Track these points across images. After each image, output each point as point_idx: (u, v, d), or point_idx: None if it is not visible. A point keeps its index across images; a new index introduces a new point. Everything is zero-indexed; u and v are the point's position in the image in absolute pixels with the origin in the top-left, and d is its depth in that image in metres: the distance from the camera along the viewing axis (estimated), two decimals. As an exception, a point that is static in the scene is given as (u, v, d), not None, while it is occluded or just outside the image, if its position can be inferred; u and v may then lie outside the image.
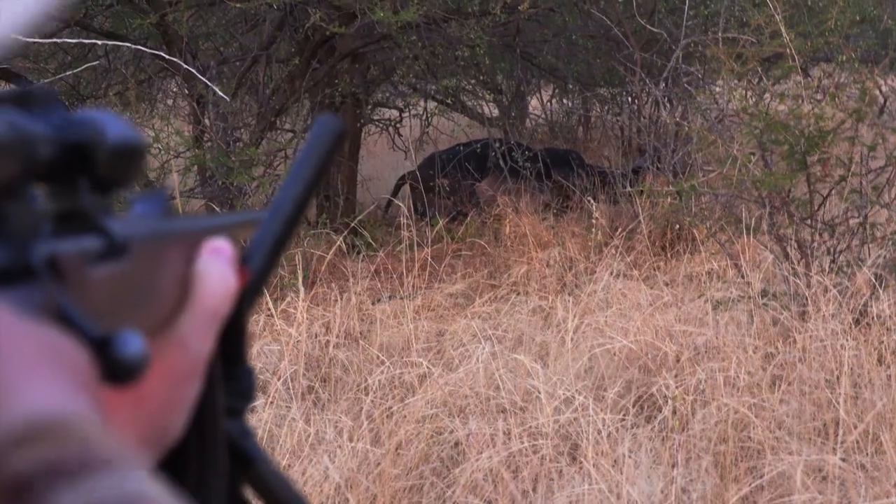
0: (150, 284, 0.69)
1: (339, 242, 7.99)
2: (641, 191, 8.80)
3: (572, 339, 6.09)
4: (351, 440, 5.16)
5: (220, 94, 7.38)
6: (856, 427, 5.06)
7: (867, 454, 4.99)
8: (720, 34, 8.72)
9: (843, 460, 4.86)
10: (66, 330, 0.57)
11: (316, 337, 6.59)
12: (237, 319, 0.79)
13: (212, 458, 0.78)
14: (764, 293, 6.46)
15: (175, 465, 0.74)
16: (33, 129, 0.58)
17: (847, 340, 5.59)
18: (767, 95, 7.59)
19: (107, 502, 0.48)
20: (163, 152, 9.35)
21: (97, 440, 0.52)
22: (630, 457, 4.90)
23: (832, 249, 6.62)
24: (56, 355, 0.54)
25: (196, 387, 0.73)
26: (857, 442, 5.03)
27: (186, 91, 9.87)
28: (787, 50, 6.95)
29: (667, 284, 7.44)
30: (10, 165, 0.55)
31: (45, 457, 0.49)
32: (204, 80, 7.22)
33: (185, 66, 7.05)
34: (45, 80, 9.56)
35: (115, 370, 0.58)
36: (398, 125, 13.38)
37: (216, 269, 0.75)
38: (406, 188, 11.11)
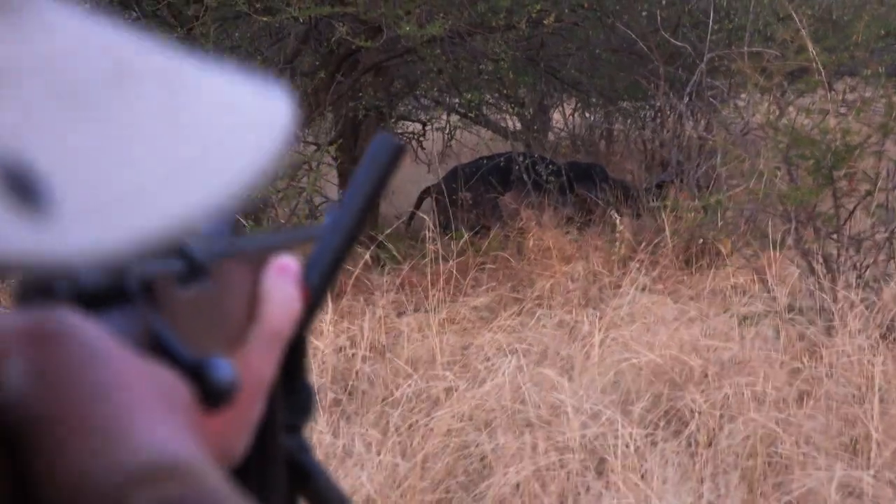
0: (224, 305, 0.70)
1: (365, 256, 8.01)
2: (666, 205, 8.79)
3: (598, 354, 6.08)
4: (378, 453, 5.16)
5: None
6: (883, 444, 5.04)
7: (894, 470, 4.97)
8: (745, 48, 8.71)
9: (874, 477, 4.85)
10: (161, 356, 0.58)
11: (342, 350, 6.60)
12: (297, 335, 0.79)
13: (272, 475, 0.79)
14: (790, 308, 6.45)
15: (237, 481, 0.74)
16: None
17: (874, 356, 5.57)
18: (792, 109, 7.58)
19: None
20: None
21: (212, 482, 0.53)
22: (657, 472, 4.89)
23: (858, 264, 6.61)
24: (166, 391, 0.56)
25: (260, 406, 0.73)
26: (884, 458, 5.01)
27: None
28: (813, 64, 6.94)
29: (692, 299, 7.43)
30: None
31: (165, 498, 0.50)
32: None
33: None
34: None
35: (210, 396, 0.59)
36: (421, 138, 13.39)
37: (282, 289, 0.75)
38: (429, 201, 11.10)
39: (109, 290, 0.58)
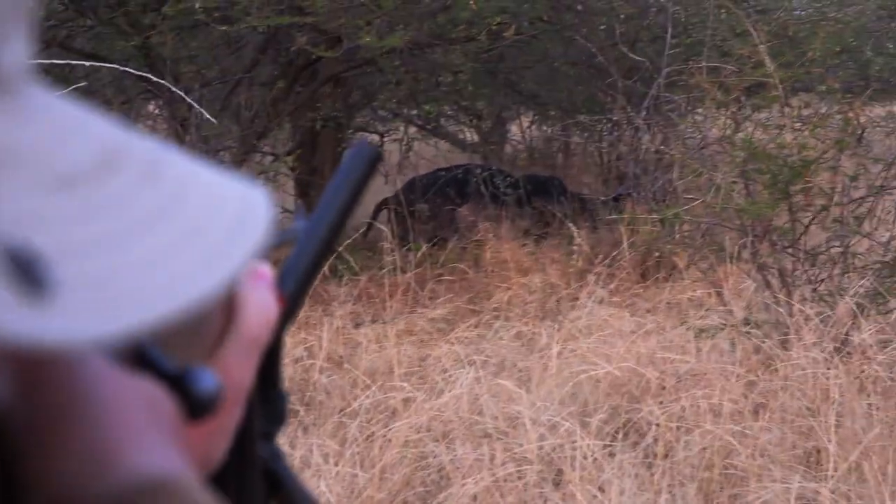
0: (202, 314, 0.69)
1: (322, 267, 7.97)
2: (623, 217, 8.83)
3: (556, 366, 6.10)
4: (336, 464, 5.15)
5: (208, 115, 7.37)
6: (838, 456, 5.07)
7: (850, 483, 5.00)
8: (703, 63, 8.76)
9: (830, 489, 4.88)
10: (144, 367, 0.58)
11: (299, 361, 6.58)
12: (272, 344, 0.78)
13: (249, 482, 0.78)
14: (746, 321, 6.48)
15: (215, 488, 0.74)
16: None
17: (829, 369, 5.61)
18: (749, 124, 7.63)
19: None
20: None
21: (198, 498, 0.54)
22: (615, 483, 4.90)
23: (813, 278, 6.66)
24: (153, 406, 0.56)
25: (238, 414, 0.73)
26: (839, 470, 5.04)
27: (168, 113, 9.86)
28: (771, 79, 6.99)
29: (649, 312, 7.46)
30: None
31: None
32: (191, 101, 7.21)
33: (173, 87, 7.04)
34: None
35: (194, 407, 0.59)
36: (379, 150, 13.37)
37: (258, 295, 0.74)
38: (386, 213, 11.10)
39: None
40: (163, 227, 0.49)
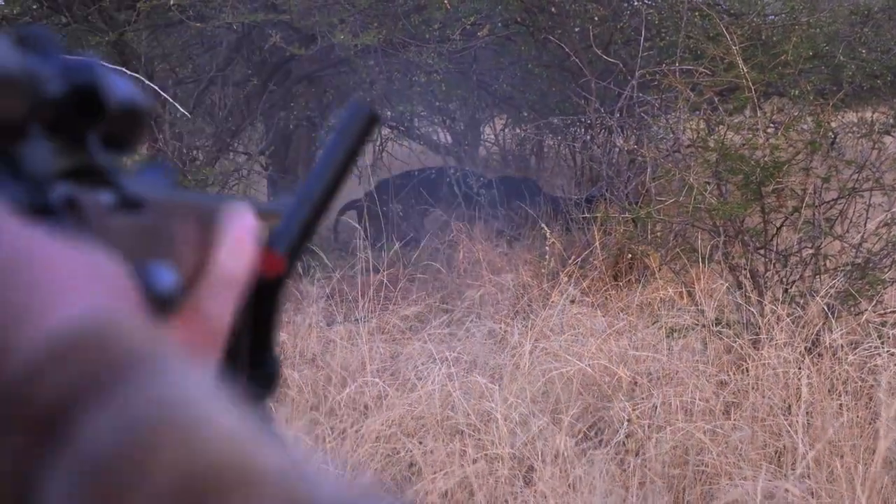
0: (166, 245, 0.67)
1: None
2: (596, 217, 8.85)
3: (528, 363, 6.10)
4: (307, 460, 5.13)
5: (182, 111, 7.35)
6: (808, 455, 5.09)
7: (820, 481, 5.03)
8: (676, 65, 8.79)
9: (796, 487, 4.89)
10: None
11: (270, 357, 6.56)
12: (267, 306, 0.77)
13: None
14: (717, 321, 6.50)
15: None
16: (39, 68, 0.55)
17: (799, 369, 5.63)
18: (722, 127, 7.66)
19: (139, 420, 0.43)
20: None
21: (139, 336, 0.46)
22: (586, 480, 4.91)
23: (785, 279, 6.68)
24: (98, 270, 0.49)
25: (214, 355, 0.70)
26: (810, 468, 5.07)
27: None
28: (743, 82, 7.02)
29: (621, 311, 7.47)
30: (17, 99, 0.53)
31: (82, 371, 0.44)
32: (166, 96, 7.19)
33: (148, 82, 7.03)
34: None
35: (150, 301, 0.55)
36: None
37: (236, 234, 0.73)
38: (355, 213, 11.10)
39: (31, 207, 0.53)
40: None
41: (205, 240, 0.72)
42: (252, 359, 0.79)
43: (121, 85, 0.61)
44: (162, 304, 0.55)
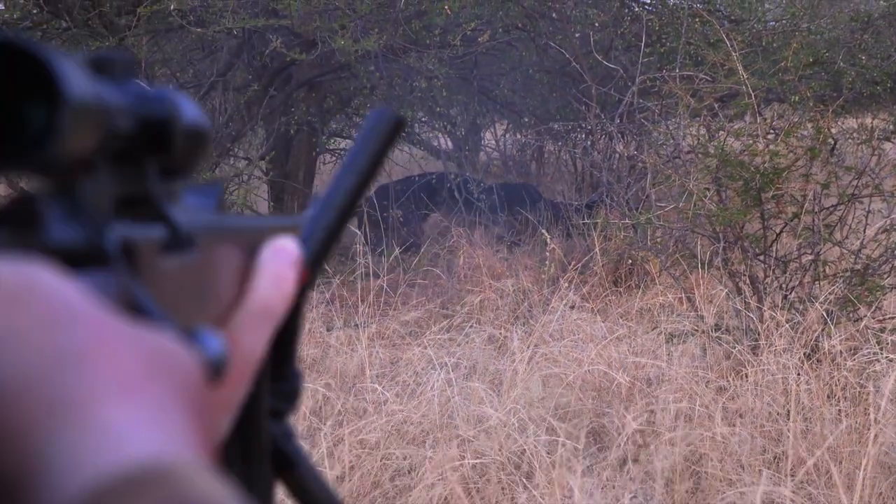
0: (211, 280, 0.66)
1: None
2: (596, 223, 8.85)
3: (527, 369, 6.10)
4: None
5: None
6: (806, 461, 5.09)
7: (818, 487, 5.03)
8: (676, 71, 8.80)
9: (795, 493, 4.89)
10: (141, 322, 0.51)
11: (270, 362, 6.56)
12: (290, 318, 0.75)
13: (257, 461, 0.76)
14: (717, 327, 6.51)
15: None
16: (114, 99, 0.54)
17: (798, 375, 5.63)
18: (722, 133, 7.66)
19: None
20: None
21: (201, 487, 0.45)
22: (584, 486, 4.91)
23: (784, 285, 6.68)
24: (157, 359, 0.48)
25: (245, 387, 0.69)
26: (808, 475, 5.07)
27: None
28: (743, 88, 7.02)
29: (620, 317, 7.47)
30: (90, 134, 0.52)
31: None
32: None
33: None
34: None
35: (202, 367, 0.53)
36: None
37: (276, 267, 0.72)
38: (359, 218, 11.10)
39: (86, 250, 0.52)
40: None
41: (248, 269, 0.71)
42: (274, 373, 0.78)
43: (188, 112, 0.60)
44: (212, 374, 0.54)
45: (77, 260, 0.51)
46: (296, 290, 0.73)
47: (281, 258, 0.72)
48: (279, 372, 0.79)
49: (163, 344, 0.49)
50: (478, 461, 5.13)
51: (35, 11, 9.28)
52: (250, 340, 0.69)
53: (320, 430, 5.53)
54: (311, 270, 0.80)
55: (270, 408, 0.78)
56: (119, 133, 0.55)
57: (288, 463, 0.80)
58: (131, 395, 0.46)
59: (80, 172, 0.53)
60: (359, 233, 8.84)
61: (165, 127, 0.58)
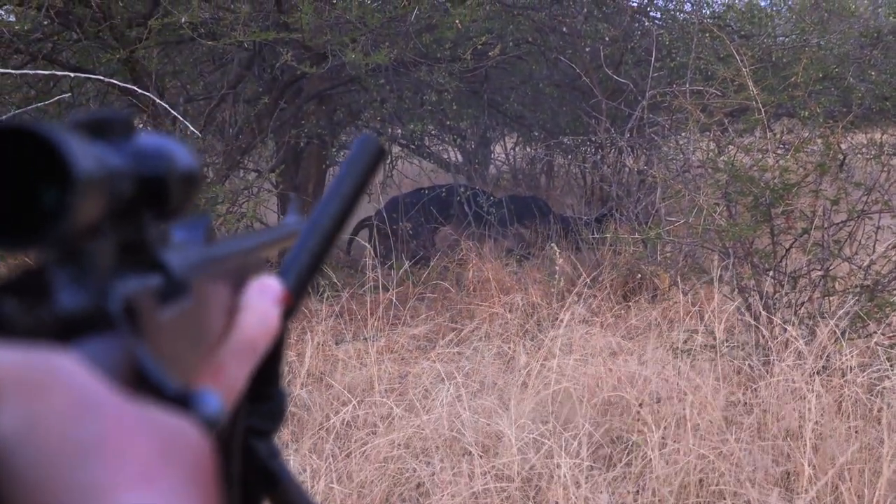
0: (204, 319, 0.67)
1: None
2: (606, 238, 8.86)
3: (536, 384, 6.10)
4: (314, 479, 5.14)
5: (192, 129, 7.37)
6: (816, 478, 5.08)
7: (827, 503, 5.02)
8: (686, 86, 8.80)
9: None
10: (145, 388, 0.53)
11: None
12: (274, 343, 0.77)
13: (235, 480, 0.77)
14: (726, 342, 6.50)
15: None
16: (116, 165, 0.56)
17: (809, 391, 5.62)
18: (732, 148, 7.66)
19: None
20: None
21: None
22: (594, 500, 4.90)
23: (794, 301, 6.68)
24: (169, 443, 0.49)
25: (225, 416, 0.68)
26: (820, 493, 5.05)
27: (151, 127, 9.85)
28: (753, 103, 7.02)
29: (630, 332, 7.47)
30: (99, 206, 0.53)
31: None
32: (176, 114, 7.21)
33: (158, 100, 7.04)
34: (9, 114, 9.49)
35: (200, 426, 0.55)
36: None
37: (261, 305, 0.74)
38: (366, 231, 11.11)
39: (92, 314, 0.53)
40: None
41: (235, 302, 0.73)
42: (258, 393, 0.79)
43: (183, 161, 0.62)
44: (210, 429, 0.55)
45: (84, 325, 0.53)
46: (280, 323, 0.75)
47: (266, 296, 0.75)
48: (264, 393, 0.80)
49: (176, 426, 0.51)
50: (488, 475, 5.13)
51: (46, 23, 9.29)
52: (234, 373, 0.71)
53: (330, 445, 5.54)
54: (296, 296, 0.82)
55: (256, 428, 0.80)
56: (122, 196, 0.56)
57: (273, 481, 0.81)
58: (151, 483, 0.47)
59: (86, 239, 0.54)
60: (368, 246, 8.85)
61: (163, 184, 0.60)
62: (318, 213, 0.86)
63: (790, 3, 12.51)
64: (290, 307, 0.79)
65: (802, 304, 6.66)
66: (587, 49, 10.98)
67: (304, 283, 0.84)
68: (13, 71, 7.65)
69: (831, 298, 6.65)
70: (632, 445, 5.40)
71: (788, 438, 5.42)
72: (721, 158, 7.19)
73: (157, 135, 0.62)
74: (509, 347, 7.16)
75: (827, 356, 6.13)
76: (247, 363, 0.72)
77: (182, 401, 0.54)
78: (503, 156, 16.01)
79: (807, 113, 8.12)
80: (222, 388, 0.70)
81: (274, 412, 0.82)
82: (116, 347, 0.53)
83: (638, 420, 5.66)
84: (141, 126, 12.34)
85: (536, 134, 14.00)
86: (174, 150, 0.61)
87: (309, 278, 0.85)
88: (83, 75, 8.41)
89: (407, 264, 9.13)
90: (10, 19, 9.03)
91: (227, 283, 0.72)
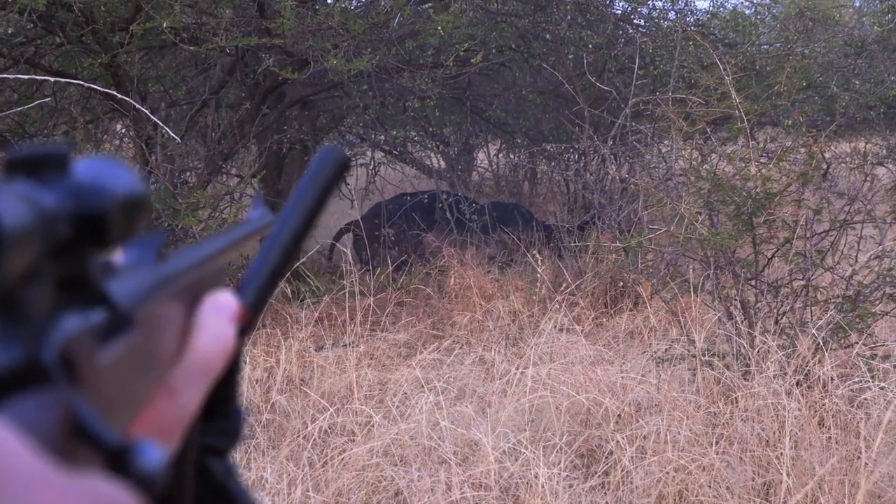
0: (153, 345, 0.64)
1: (285, 289, 7.95)
2: (588, 245, 8.85)
3: (515, 392, 6.08)
4: (291, 487, 5.11)
5: (172, 134, 7.33)
6: (794, 489, 5.07)
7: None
8: (669, 94, 8.80)
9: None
10: (83, 441, 0.51)
11: (257, 382, 6.54)
12: (230, 361, 0.75)
13: (186, 499, 0.75)
14: (707, 352, 6.49)
15: None
16: (51, 206, 0.53)
17: (789, 402, 5.61)
18: (714, 156, 7.67)
19: None
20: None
21: None
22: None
23: (776, 311, 6.67)
24: None
25: (178, 438, 0.69)
26: (797, 502, 5.04)
27: (134, 132, 9.82)
28: (736, 112, 7.02)
29: (610, 340, 7.46)
30: (33, 252, 0.50)
31: None
32: (155, 119, 7.18)
33: (139, 106, 7.01)
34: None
35: (137, 484, 0.52)
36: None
37: (215, 324, 0.72)
38: (349, 237, 11.10)
39: (23, 369, 0.50)
40: None
41: (188, 322, 0.70)
42: (214, 411, 0.77)
43: (122, 190, 0.58)
44: (148, 487, 0.52)
45: (16, 381, 0.49)
46: (235, 341, 0.73)
47: (221, 314, 0.72)
48: (220, 410, 0.78)
49: (108, 497, 0.48)
50: (466, 484, 5.11)
51: (29, 27, 9.26)
52: (188, 395, 0.69)
53: (307, 452, 5.51)
54: (254, 311, 0.80)
55: (212, 446, 0.78)
56: (58, 237, 0.53)
57: (229, 500, 0.79)
58: None
59: (20, 287, 0.51)
60: (347, 251, 8.82)
61: (103, 219, 0.56)
62: (278, 227, 0.84)
63: (774, 11, 12.53)
64: (246, 324, 0.77)
65: (784, 313, 6.66)
66: (570, 56, 10.98)
67: (263, 297, 0.82)
68: (-7, 74, 7.59)
69: (813, 308, 6.64)
70: (610, 456, 5.38)
71: (768, 449, 5.41)
72: (703, 167, 7.19)
73: (95, 162, 0.58)
74: (490, 355, 7.15)
75: (807, 367, 6.13)
76: (201, 385, 0.70)
77: (121, 453, 0.52)
78: (486, 162, 16.02)
79: (790, 122, 8.12)
80: (176, 410, 0.68)
81: (230, 430, 0.80)
82: (51, 403, 0.50)
83: (617, 430, 5.64)
84: (122, 131, 12.31)
85: (519, 141, 14.00)
86: (114, 178, 0.58)
87: (268, 293, 0.82)
88: (65, 80, 8.37)
89: (389, 269, 9.11)
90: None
91: (181, 302, 0.69)
